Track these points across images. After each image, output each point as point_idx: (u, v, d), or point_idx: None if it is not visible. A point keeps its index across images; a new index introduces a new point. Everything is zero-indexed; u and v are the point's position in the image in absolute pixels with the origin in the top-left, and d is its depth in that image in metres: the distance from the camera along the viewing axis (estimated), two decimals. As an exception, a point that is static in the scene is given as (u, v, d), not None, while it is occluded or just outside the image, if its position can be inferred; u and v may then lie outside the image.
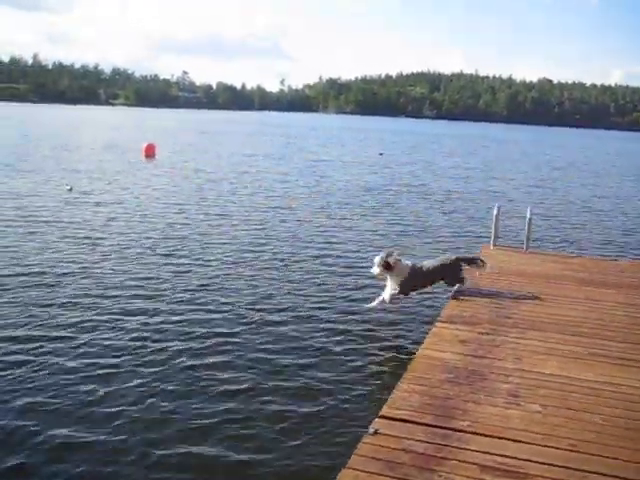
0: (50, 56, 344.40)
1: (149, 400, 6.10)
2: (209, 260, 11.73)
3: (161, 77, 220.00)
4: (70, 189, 19.81)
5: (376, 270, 7.83)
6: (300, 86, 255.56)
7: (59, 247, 12.25)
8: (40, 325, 7.93)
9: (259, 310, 8.85)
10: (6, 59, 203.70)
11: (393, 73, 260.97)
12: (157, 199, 18.92)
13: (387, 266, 7.74)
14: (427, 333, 6.59)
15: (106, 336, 7.64)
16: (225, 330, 8.02)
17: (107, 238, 13.27)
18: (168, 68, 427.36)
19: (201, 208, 17.63)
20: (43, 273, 10.26)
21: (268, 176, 26.18)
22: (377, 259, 7.81)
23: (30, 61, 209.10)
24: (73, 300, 8.94)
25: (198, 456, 5.22)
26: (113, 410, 5.87)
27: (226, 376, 6.68)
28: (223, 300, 9.24)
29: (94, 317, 8.28)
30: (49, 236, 13.17)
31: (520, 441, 4.23)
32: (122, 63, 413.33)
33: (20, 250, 11.82)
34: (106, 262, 11.22)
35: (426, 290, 8.68)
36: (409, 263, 7.96)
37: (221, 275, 10.67)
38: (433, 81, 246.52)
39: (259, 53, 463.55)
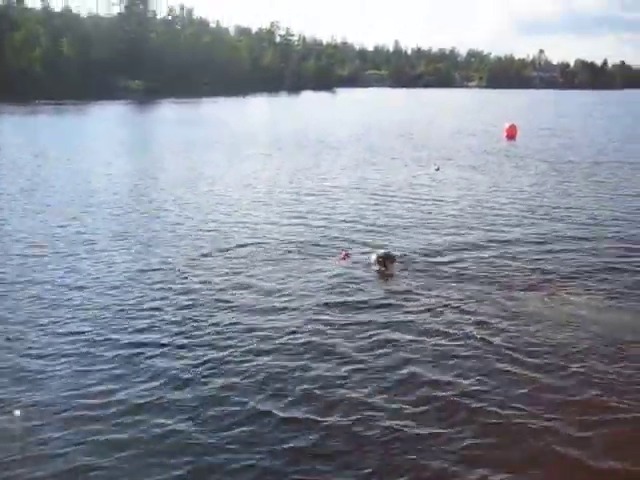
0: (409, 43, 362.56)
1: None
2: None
3: (516, 57, 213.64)
4: (437, 169, 21.45)
5: None
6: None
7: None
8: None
9: None
10: (370, 48, 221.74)
11: None
12: (520, 191, 17.83)
13: None
14: None
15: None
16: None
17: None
18: (525, 48, 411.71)
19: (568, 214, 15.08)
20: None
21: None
22: None
23: (391, 49, 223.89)
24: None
25: None
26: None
27: None
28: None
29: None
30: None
31: None
32: (478, 45, 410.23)
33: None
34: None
35: None
36: None
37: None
38: None
39: (625, 25, 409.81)
